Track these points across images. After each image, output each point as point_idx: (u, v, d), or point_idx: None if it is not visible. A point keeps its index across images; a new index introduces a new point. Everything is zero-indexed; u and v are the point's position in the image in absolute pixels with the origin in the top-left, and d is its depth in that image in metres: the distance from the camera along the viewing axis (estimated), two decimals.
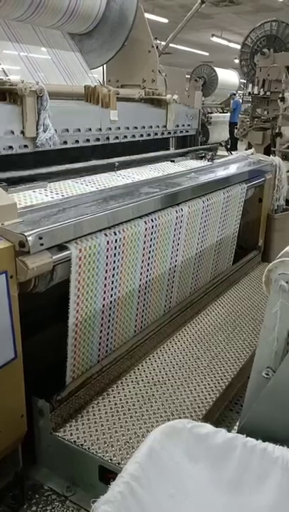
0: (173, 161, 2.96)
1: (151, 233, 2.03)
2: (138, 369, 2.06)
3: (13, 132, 1.99)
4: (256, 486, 1.00)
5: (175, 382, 1.99)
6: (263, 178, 3.24)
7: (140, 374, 2.03)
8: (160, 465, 1.02)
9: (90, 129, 2.46)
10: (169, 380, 2.00)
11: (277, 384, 1.14)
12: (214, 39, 15.38)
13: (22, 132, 2.02)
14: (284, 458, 1.01)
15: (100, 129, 2.53)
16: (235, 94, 13.41)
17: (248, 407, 1.23)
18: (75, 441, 1.62)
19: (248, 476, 1.02)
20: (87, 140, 2.47)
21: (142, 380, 1.98)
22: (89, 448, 1.59)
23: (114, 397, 1.87)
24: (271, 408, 1.16)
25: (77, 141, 2.40)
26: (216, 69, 13.39)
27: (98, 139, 2.55)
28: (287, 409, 1.13)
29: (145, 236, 1.98)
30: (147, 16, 3.41)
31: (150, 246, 2.05)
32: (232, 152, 3.81)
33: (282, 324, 1.16)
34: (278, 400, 1.14)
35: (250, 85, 7.15)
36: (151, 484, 0.98)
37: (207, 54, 18.67)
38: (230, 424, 1.94)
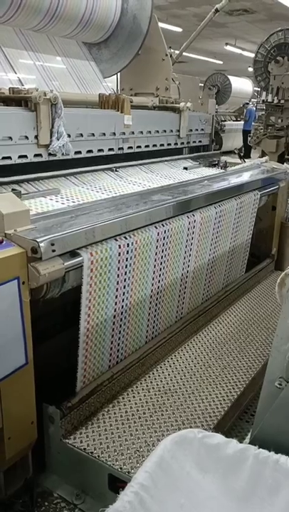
0: (186, 169, 2.96)
1: (163, 240, 2.02)
2: (149, 377, 2.05)
3: (27, 137, 2.01)
4: (268, 498, 0.98)
5: (186, 390, 1.97)
6: (276, 186, 3.22)
7: (151, 382, 2.01)
8: (170, 475, 1.00)
9: (104, 134, 2.47)
10: (180, 388, 1.99)
11: None
12: (228, 48, 15.42)
13: (36, 137, 2.04)
14: None
15: (114, 133, 2.53)
16: (248, 103, 13.40)
17: (260, 418, 1.21)
18: (84, 449, 1.61)
19: (259, 487, 1.00)
20: (101, 150, 2.48)
21: (153, 388, 1.97)
22: (99, 456, 1.58)
23: (124, 404, 1.86)
24: (284, 419, 1.14)
25: (90, 151, 2.41)
26: (230, 77, 13.42)
27: (112, 149, 2.56)
28: None
29: (157, 242, 1.98)
30: (161, 25, 3.44)
31: (162, 253, 2.05)
32: (245, 160, 3.79)
33: None
34: None
35: (264, 93, 7.14)
36: (160, 494, 0.97)
37: (221, 62, 18.70)
38: (241, 434, 1.91)
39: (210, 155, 3.43)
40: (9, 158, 1.97)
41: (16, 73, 2.56)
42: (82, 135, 2.32)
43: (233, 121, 13.54)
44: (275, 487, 0.99)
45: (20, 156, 2.01)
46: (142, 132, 2.75)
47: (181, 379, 2.05)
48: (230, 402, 1.89)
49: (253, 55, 7.65)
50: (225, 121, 12.76)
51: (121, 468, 1.54)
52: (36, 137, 2.04)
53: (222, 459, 1.04)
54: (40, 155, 2.09)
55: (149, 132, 2.82)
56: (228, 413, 1.85)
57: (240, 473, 1.02)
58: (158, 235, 1.97)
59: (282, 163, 3.81)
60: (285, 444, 1.10)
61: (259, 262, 3.34)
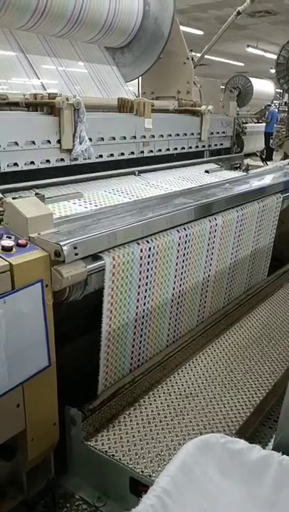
0: (207, 172, 2.95)
1: (185, 243, 2.02)
2: (170, 380, 2.05)
3: (49, 142, 2.04)
4: None
5: (208, 395, 1.96)
6: None
7: (172, 386, 2.01)
8: (192, 479, 1.00)
9: (125, 137, 2.48)
10: (201, 392, 1.98)
11: None
12: (249, 49, 15.33)
13: (58, 142, 2.06)
14: None
15: (135, 137, 2.54)
16: (270, 105, 13.28)
17: (284, 424, 1.20)
18: (106, 451, 1.62)
19: (283, 495, 0.98)
20: (122, 154, 2.49)
21: (174, 392, 1.96)
22: (120, 459, 1.58)
23: (145, 408, 1.86)
24: None
25: (112, 155, 2.43)
26: (251, 79, 13.32)
27: (133, 152, 2.57)
28: None
29: (179, 246, 1.98)
30: (182, 28, 3.44)
31: (184, 256, 2.04)
32: (267, 162, 3.76)
33: None
34: None
35: (287, 95, 7.06)
36: (183, 499, 0.97)
37: (242, 64, 18.60)
38: (264, 440, 1.89)
39: (231, 158, 3.41)
40: (32, 163, 2.01)
41: (39, 78, 2.60)
42: (103, 139, 2.34)
43: (255, 123, 13.43)
44: None
45: (43, 161, 2.04)
46: (162, 136, 2.76)
47: (203, 383, 2.04)
48: (252, 408, 1.87)
49: (275, 56, 7.57)
50: (246, 123, 12.66)
51: (142, 471, 1.54)
52: (59, 142, 2.07)
53: (245, 464, 1.03)
54: (62, 159, 2.11)
55: (170, 135, 2.83)
56: (250, 419, 1.83)
57: (263, 480, 1.00)
58: (180, 238, 1.97)
59: None
60: None
61: (281, 266, 3.30)
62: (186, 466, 1.01)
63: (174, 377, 2.07)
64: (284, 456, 1.03)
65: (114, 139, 2.42)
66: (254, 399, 1.94)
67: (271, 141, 8.28)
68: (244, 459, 1.04)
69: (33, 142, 1.99)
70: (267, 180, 2.91)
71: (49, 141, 2.04)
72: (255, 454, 1.04)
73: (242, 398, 1.94)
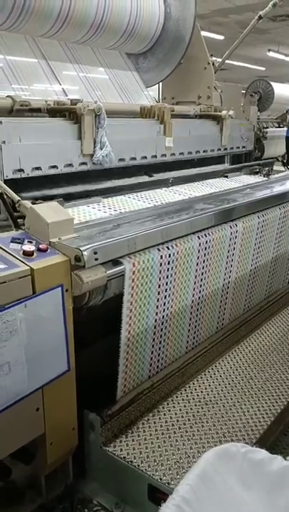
0: (226, 177, 2.93)
1: (205, 249, 2.00)
2: (189, 387, 2.03)
3: (72, 149, 2.06)
4: None
5: (227, 402, 1.94)
6: None
7: (191, 392, 1.99)
8: (212, 489, 0.98)
9: (146, 157, 2.49)
10: (221, 399, 1.95)
11: None
12: (271, 54, 15.22)
13: (80, 150, 2.08)
14: None
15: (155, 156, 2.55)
16: None
17: None
18: (124, 457, 1.61)
19: None
20: (144, 157, 2.50)
21: (193, 399, 1.95)
22: (138, 465, 1.58)
23: (164, 414, 1.84)
24: None
25: (134, 158, 2.43)
26: (272, 83, 13.21)
27: (155, 156, 2.57)
28: None
29: (199, 252, 1.97)
30: (203, 33, 3.43)
31: (203, 262, 2.03)
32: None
33: None
34: None
35: None
36: (202, 508, 0.95)
37: (263, 69, 18.48)
38: (286, 450, 1.86)
39: (252, 163, 3.38)
40: (55, 167, 2.02)
41: (60, 84, 2.63)
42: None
43: (276, 127, 13.32)
44: None
45: (66, 165, 2.06)
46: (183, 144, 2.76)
47: (222, 390, 2.02)
48: (273, 416, 1.84)
49: None
50: (267, 127, 12.56)
51: (160, 478, 1.52)
52: (80, 148, 2.09)
53: (266, 475, 1.01)
54: (85, 163, 2.13)
55: (191, 141, 2.82)
56: (271, 428, 1.80)
57: (285, 491, 0.98)
58: (200, 245, 1.95)
59: None
60: None
61: None
62: (206, 475, 0.99)
63: (193, 383, 2.06)
64: None
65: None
66: (275, 407, 1.90)
67: None
68: (266, 469, 1.02)
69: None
70: (288, 185, 2.87)
71: (71, 149, 2.06)
72: (277, 465, 1.02)
73: (262, 406, 1.91)
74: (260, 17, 3.78)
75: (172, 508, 0.90)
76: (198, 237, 1.96)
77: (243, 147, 3.37)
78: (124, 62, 3.21)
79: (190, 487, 0.95)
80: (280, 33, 12.79)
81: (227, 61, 5.88)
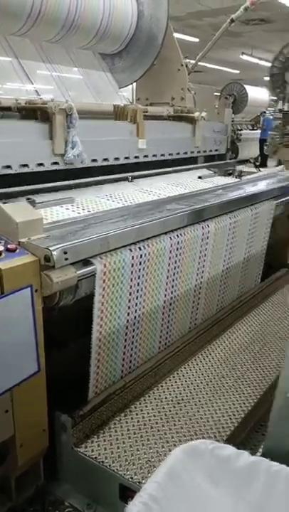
0: (200, 178, 2.96)
1: (177, 249, 2.02)
2: (162, 386, 2.04)
3: (43, 149, 2.05)
4: None
5: (199, 401, 1.95)
6: None
7: (164, 391, 2.00)
8: (180, 486, 0.99)
9: (118, 158, 2.50)
10: (193, 398, 1.97)
11: None
12: (244, 57, 15.44)
13: (52, 149, 2.07)
14: None
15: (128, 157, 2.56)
16: (265, 113, 13.38)
17: (272, 430, 1.20)
18: (96, 458, 1.61)
19: (272, 501, 0.98)
20: (117, 159, 2.50)
21: (166, 398, 1.96)
22: (110, 465, 1.57)
23: (136, 414, 1.85)
24: None
25: (106, 159, 2.43)
26: (246, 86, 13.41)
27: (128, 158, 2.58)
28: None
29: (170, 252, 1.98)
30: (177, 35, 3.46)
31: (175, 262, 2.04)
32: (261, 169, 3.78)
33: None
34: None
35: (280, 102, 7.11)
36: (170, 505, 0.96)
37: (237, 72, 18.74)
38: (256, 447, 1.88)
39: (225, 164, 3.42)
40: (26, 166, 2.01)
41: (32, 84, 2.61)
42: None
43: (250, 130, 13.51)
44: (288, 501, 0.97)
45: (37, 165, 2.04)
46: (156, 145, 2.77)
47: (194, 389, 2.03)
48: (243, 414, 1.87)
49: (269, 64, 7.63)
50: (241, 130, 12.72)
51: (132, 478, 1.53)
52: (52, 147, 2.07)
53: (233, 471, 1.02)
54: (56, 163, 2.11)
55: (164, 142, 2.84)
56: (242, 425, 1.83)
57: (252, 486, 1.00)
58: (171, 245, 1.96)
59: None
60: None
61: (274, 272, 3.31)
62: (174, 472, 1.00)
63: (166, 383, 2.07)
64: (272, 462, 1.03)
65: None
66: (245, 405, 1.93)
67: (265, 147, 8.34)
68: (233, 465, 1.03)
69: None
70: (260, 186, 2.92)
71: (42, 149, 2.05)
72: (244, 461, 1.03)
73: (233, 404, 1.93)
74: (232, 20, 3.84)
75: (139, 506, 0.90)
76: (170, 237, 1.97)
77: (216, 150, 3.41)
78: (98, 63, 3.20)
79: (158, 484, 0.96)
80: (253, 37, 12.99)
81: (202, 63, 5.95)
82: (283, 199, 3.05)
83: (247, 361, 2.29)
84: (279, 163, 6.37)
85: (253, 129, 13.58)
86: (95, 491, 1.63)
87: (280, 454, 1.10)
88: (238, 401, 1.96)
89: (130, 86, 3.76)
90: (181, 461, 1.03)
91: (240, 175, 3.18)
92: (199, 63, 5.02)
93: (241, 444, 1.81)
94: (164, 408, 1.89)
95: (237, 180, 3.08)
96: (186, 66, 3.60)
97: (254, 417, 1.92)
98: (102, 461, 1.59)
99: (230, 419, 1.84)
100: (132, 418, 1.82)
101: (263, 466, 1.01)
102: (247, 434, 1.91)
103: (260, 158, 12.28)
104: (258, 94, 14.18)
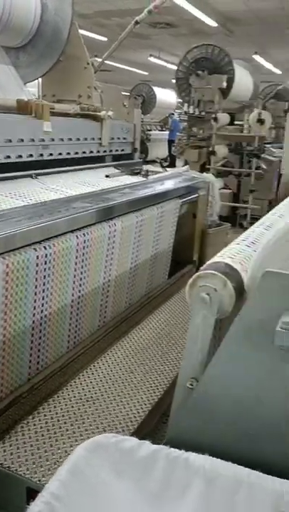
0: (108, 177, 2.98)
1: (84, 248, 2.02)
2: (71, 385, 2.03)
3: None
4: (179, 498, 1.01)
5: (108, 397, 1.97)
6: (196, 195, 3.34)
7: (72, 391, 2.00)
8: (84, 482, 1.00)
9: (23, 140, 2.42)
10: (102, 395, 1.99)
11: (200, 393, 1.17)
12: (152, 59, 15.79)
13: None
14: (205, 467, 1.03)
15: (33, 140, 2.49)
16: (173, 114, 13.81)
17: (174, 419, 1.25)
18: (1, 464, 1.56)
19: (171, 487, 1.02)
20: (20, 156, 2.43)
21: (75, 397, 1.95)
22: (16, 470, 1.54)
23: (45, 415, 1.82)
24: (195, 418, 1.18)
25: (8, 157, 2.36)
26: (155, 88, 13.75)
27: (31, 155, 2.52)
28: (211, 418, 1.16)
29: (77, 251, 1.98)
30: (86, 33, 3.47)
31: (82, 261, 2.04)
32: (167, 169, 3.90)
33: (204, 335, 1.20)
34: (202, 410, 1.17)
35: (186, 105, 7.39)
36: (74, 502, 0.97)
37: (146, 73, 19.11)
38: (164, 438, 1.94)
39: (132, 163, 3.48)
40: None
41: None
42: None
43: (159, 130, 13.88)
44: (185, 485, 1.02)
45: None
46: (62, 139, 2.74)
47: (104, 386, 2.05)
48: (150, 406, 1.92)
49: (175, 67, 7.89)
50: (151, 130, 13.03)
51: (40, 480, 1.51)
52: None
53: (135, 461, 1.05)
54: None
55: (70, 139, 2.81)
56: (149, 417, 1.88)
57: (152, 475, 1.04)
58: (78, 244, 1.96)
59: (204, 172, 3.97)
60: (198, 443, 1.14)
61: (182, 268, 3.44)
62: (78, 469, 1.01)
63: (75, 382, 2.06)
64: (171, 449, 1.08)
65: (10, 141, 2.35)
66: (153, 398, 1.99)
67: (173, 148, 8.63)
68: (135, 456, 1.06)
69: None
70: (165, 185, 3.01)
71: None
72: (145, 450, 1.07)
73: (141, 398, 1.98)
74: (136, 22, 3.91)
75: (40, 505, 0.90)
76: (76, 236, 1.97)
77: (123, 150, 3.45)
78: (1, 56, 3.09)
79: (60, 482, 0.96)
80: (160, 40, 13.34)
81: (111, 63, 6.01)
82: (188, 198, 3.19)
83: (155, 355, 2.36)
84: (186, 164, 6.63)
85: (162, 130, 13.97)
86: (2, 497, 1.58)
87: (181, 443, 1.15)
88: (145, 394, 2.01)
89: (36, 82, 3.68)
90: (84, 457, 1.03)
91: (146, 174, 3.26)
92: (109, 62, 5.07)
93: (150, 435, 1.85)
94: (73, 407, 1.89)
95: (143, 179, 3.15)
96: (93, 64, 3.61)
97: (161, 408, 1.98)
98: (9, 467, 1.55)
99: (138, 412, 1.89)
100: (40, 420, 1.79)
101: (163, 453, 1.05)
102: (155, 425, 1.97)
103: (169, 158, 12.67)
104: (166, 96, 14.62)
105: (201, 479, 1.01)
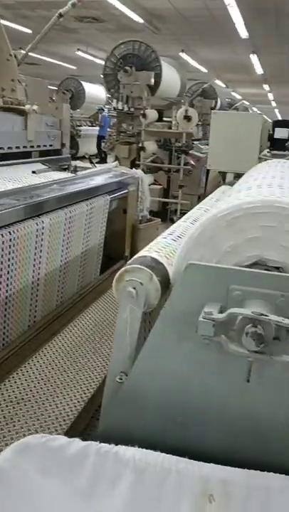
0: (34, 173, 2.91)
1: (10, 247, 1.96)
2: (0, 388, 1.97)
3: None
4: (109, 491, 1.01)
5: (40, 397, 1.94)
6: (126, 190, 3.35)
7: (2, 394, 1.93)
8: (10, 485, 0.98)
9: None
10: (33, 396, 1.94)
11: (129, 387, 1.18)
12: (80, 53, 15.60)
13: None
14: (135, 458, 1.04)
15: None
16: (103, 110, 13.75)
17: (105, 413, 1.25)
18: None
19: (101, 482, 1.03)
20: None
21: (5, 400, 1.89)
22: None
23: None
24: (125, 411, 1.19)
25: None
26: (83, 83, 13.61)
27: None
28: (140, 410, 1.18)
29: (2, 250, 1.91)
30: (10, 24, 3.34)
31: (9, 260, 1.98)
32: (96, 165, 3.88)
33: (132, 329, 1.21)
34: (131, 402, 1.18)
35: (115, 101, 7.39)
36: (1, 506, 0.94)
37: (75, 68, 18.85)
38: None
39: (60, 159, 3.42)
40: None
41: None
42: None
43: (89, 126, 13.75)
44: (115, 478, 1.03)
45: None
46: None
47: (35, 386, 2.01)
48: (83, 403, 1.91)
49: (103, 62, 7.85)
50: (81, 126, 12.88)
51: None
52: None
53: (65, 459, 1.05)
54: None
55: None
56: (82, 414, 1.87)
57: (82, 471, 1.03)
58: (3, 243, 1.90)
59: (134, 168, 3.99)
60: (128, 436, 1.15)
61: (114, 264, 3.44)
62: (4, 473, 0.98)
63: (4, 384, 2.00)
64: (101, 444, 1.08)
65: None
66: (86, 395, 1.98)
67: (103, 144, 8.61)
68: (63, 454, 1.05)
69: None
70: (95, 181, 3.00)
71: None
72: (75, 447, 1.06)
73: (74, 396, 1.97)
74: (60, 15, 3.83)
75: None
76: (1, 234, 1.91)
77: (51, 145, 3.38)
78: None
79: None
80: (88, 34, 13.20)
81: (38, 56, 5.85)
82: (118, 194, 3.19)
83: (88, 352, 2.35)
84: (116, 160, 6.64)
85: (92, 126, 13.86)
86: None
87: (112, 436, 1.15)
88: (78, 392, 2.00)
89: None
90: (10, 459, 1.01)
91: (75, 170, 3.22)
92: (36, 56, 4.93)
93: (84, 432, 1.85)
94: (3, 411, 1.83)
95: (72, 175, 3.11)
96: (16, 57, 3.49)
97: (94, 404, 1.98)
98: None
99: (72, 410, 1.87)
100: None
101: (93, 449, 1.05)
102: (89, 422, 1.96)
103: (99, 154, 12.61)
104: (96, 91, 14.52)
105: (130, 471, 1.02)
